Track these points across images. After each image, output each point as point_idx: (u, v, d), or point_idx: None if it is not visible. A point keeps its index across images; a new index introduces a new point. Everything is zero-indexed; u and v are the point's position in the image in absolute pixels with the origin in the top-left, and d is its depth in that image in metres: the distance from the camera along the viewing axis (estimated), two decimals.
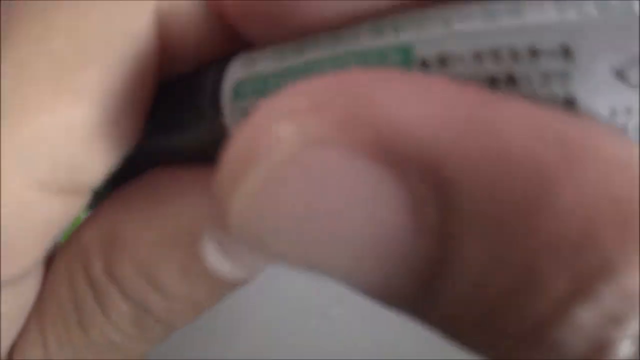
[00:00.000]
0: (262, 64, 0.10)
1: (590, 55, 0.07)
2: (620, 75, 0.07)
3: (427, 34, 0.08)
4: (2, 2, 0.11)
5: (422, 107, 0.06)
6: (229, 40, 0.11)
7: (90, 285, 0.11)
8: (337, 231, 0.07)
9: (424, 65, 0.08)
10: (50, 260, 0.12)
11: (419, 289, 0.07)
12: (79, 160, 0.10)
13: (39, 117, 0.10)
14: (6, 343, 0.11)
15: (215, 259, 0.10)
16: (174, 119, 0.11)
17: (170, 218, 0.11)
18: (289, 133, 0.07)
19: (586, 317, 0.06)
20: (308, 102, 0.07)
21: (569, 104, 0.07)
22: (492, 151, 0.06)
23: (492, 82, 0.08)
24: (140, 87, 0.10)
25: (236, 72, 0.10)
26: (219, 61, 0.10)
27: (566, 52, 0.07)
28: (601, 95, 0.07)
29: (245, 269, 0.11)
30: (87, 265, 0.11)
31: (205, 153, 0.10)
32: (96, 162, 0.10)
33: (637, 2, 0.07)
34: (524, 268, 0.06)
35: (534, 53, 0.08)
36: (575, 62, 0.07)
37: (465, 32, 0.08)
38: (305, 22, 0.09)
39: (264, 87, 0.09)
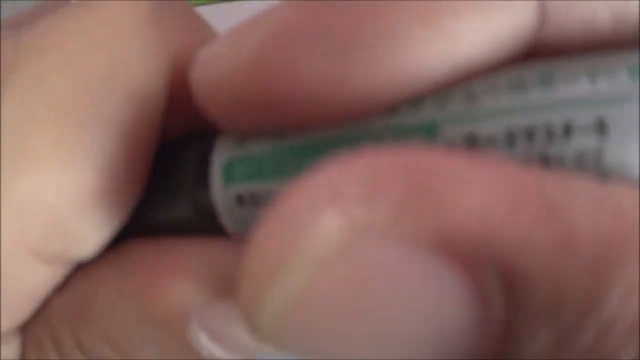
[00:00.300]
0: (256, 142, 0.08)
1: (624, 128, 0.07)
2: None
3: (451, 111, 0.07)
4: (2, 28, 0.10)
5: (488, 195, 0.06)
6: None
7: (61, 357, 0.10)
8: (392, 330, 0.06)
9: (451, 147, 0.07)
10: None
11: None
12: (72, 228, 0.09)
13: (35, 175, 0.09)
14: None
15: (207, 345, 0.10)
16: (152, 191, 0.10)
17: (151, 298, 0.10)
18: (336, 224, 0.06)
19: None
20: (357, 186, 0.06)
21: (601, 180, 0.07)
22: (562, 236, 0.06)
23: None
24: (143, 152, 0.10)
25: (226, 149, 0.09)
26: (203, 133, 0.09)
27: (601, 127, 0.07)
28: (634, 169, 0.07)
29: (240, 352, 0.10)
30: (57, 340, 0.10)
31: (183, 227, 0.10)
32: (90, 232, 0.09)
33: None
34: (590, 347, 0.06)
35: (568, 130, 0.07)
36: (610, 138, 0.07)
37: (496, 108, 0.07)
38: (303, 118, 0.08)
39: (260, 170, 0.08)
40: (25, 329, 0.11)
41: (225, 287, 0.09)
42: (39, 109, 0.09)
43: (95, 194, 0.09)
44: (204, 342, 0.10)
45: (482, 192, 0.06)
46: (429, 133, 0.07)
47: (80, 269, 0.10)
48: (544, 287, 0.06)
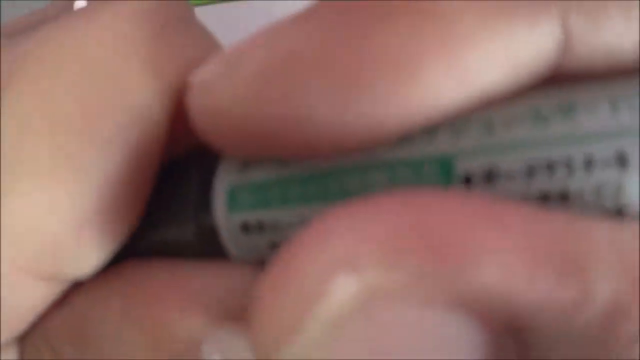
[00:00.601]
0: (260, 168, 0.08)
1: None
2: None
3: (468, 143, 0.07)
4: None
5: (507, 263, 0.06)
6: None
7: None
8: None
9: (468, 181, 0.07)
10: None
11: None
12: (66, 249, 0.09)
13: (29, 193, 0.09)
14: None
15: None
16: (155, 211, 0.10)
17: (159, 330, 0.09)
18: (353, 289, 0.06)
19: None
20: (374, 251, 0.06)
21: (620, 214, 0.07)
22: (579, 295, 0.06)
23: (544, 199, 0.07)
24: (143, 173, 0.09)
25: (229, 174, 0.09)
26: (206, 153, 0.09)
27: (621, 160, 0.07)
28: None
29: None
30: (57, 352, 0.10)
31: (185, 250, 0.09)
32: (86, 253, 0.09)
33: None
34: None
35: (590, 163, 0.07)
36: (629, 171, 0.07)
37: (515, 140, 0.07)
38: (307, 150, 0.08)
39: (265, 198, 0.08)
40: (24, 339, 0.10)
41: (234, 314, 0.09)
42: (35, 122, 0.09)
43: (93, 215, 0.09)
44: None
45: (501, 259, 0.06)
46: (444, 167, 0.07)
47: (80, 286, 0.10)
48: (555, 335, 0.06)
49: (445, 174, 0.07)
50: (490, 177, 0.07)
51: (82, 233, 0.09)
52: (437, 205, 0.06)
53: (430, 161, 0.07)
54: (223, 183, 0.09)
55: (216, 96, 0.08)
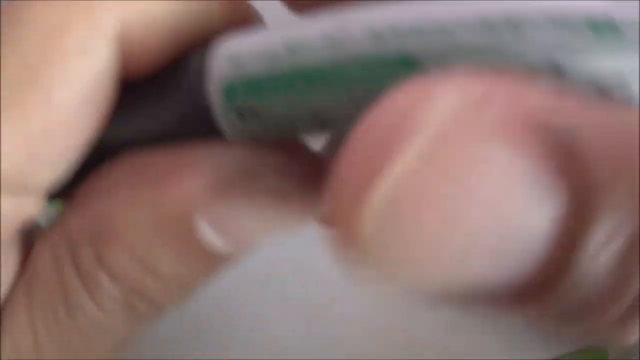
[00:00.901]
0: (252, 65, 0.09)
1: None
2: None
3: (428, 42, 0.08)
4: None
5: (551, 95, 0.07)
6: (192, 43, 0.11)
7: (78, 273, 0.11)
8: (483, 225, 0.07)
9: (423, 71, 0.08)
10: (32, 246, 0.12)
11: (555, 269, 0.07)
12: (25, 167, 0.11)
13: (13, 121, 0.10)
14: None
15: (211, 237, 0.11)
16: (147, 113, 0.11)
17: (160, 198, 0.11)
18: (440, 113, 0.06)
19: None
20: (457, 89, 0.07)
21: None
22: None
23: None
24: (95, 97, 0.11)
25: (223, 71, 0.10)
26: (194, 56, 0.10)
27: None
28: None
29: (244, 244, 0.11)
30: (76, 255, 0.11)
31: (182, 137, 0.11)
32: (44, 168, 0.11)
33: None
34: None
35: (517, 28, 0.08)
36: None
37: (468, 46, 0.08)
38: None
39: (259, 90, 0.09)
40: (40, 248, 0.12)
41: (234, 184, 0.11)
42: (5, 63, 0.10)
43: (47, 135, 0.10)
44: (209, 235, 0.11)
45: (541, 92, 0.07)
46: (406, 62, 0.08)
47: (91, 187, 0.12)
48: (605, 166, 0.06)
49: (408, 69, 0.08)
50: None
51: (36, 150, 0.11)
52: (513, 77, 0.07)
53: (396, 58, 0.08)
54: (218, 81, 0.10)
55: None
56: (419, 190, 0.07)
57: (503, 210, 0.07)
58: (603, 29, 0.08)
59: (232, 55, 0.10)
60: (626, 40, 0.08)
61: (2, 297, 0.12)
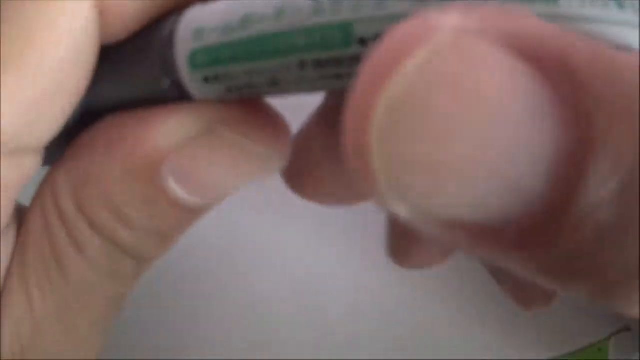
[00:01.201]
0: (211, 36, 0.10)
1: None
2: None
3: (364, 13, 0.09)
4: None
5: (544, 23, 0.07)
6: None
7: (62, 222, 0.12)
8: (486, 125, 0.07)
9: (362, 42, 0.09)
10: (23, 216, 0.13)
11: (561, 197, 0.07)
12: (24, 127, 0.11)
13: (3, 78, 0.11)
14: None
15: (175, 189, 0.12)
16: (122, 75, 0.12)
17: (130, 152, 0.11)
18: (448, 25, 0.07)
19: None
20: (459, 11, 0.07)
21: None
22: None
23: None
24: (80, 57, 0.11)
25: (186, 43, 0.11)
26: (165, 24, 0.11)
27: None
28: None
29: (206, 195, 0.12)
30: (59, 203, 0.12)
31: (153, 102, 0.12)
32: (41, 127, 0.11)
33: None
34: None
35: None
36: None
37: (399, 14, 0.09)
38: None
39: (219, 59, 0.10)
40: (31, 210, 0.13)
41: (197, 139, 0.11)
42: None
43: (40, 97, 0.11)
44: (173, 187, 0.11)
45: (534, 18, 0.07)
46: (345, 32, 0.09)
47: (75, 145, 0.12)
48: (604, 83, 0.06)
49: (346, 38, 0.09)
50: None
51: (32, 112, 0.11)
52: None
53: (335, 28, 0.09)
54: (184, 52, 0.11)
55: None
56: (417, 100, 0.07)
57: (503, 124, 0.07)
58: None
59: (195, 27, 0.11)
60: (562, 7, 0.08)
61: (3, 273, 0.12)
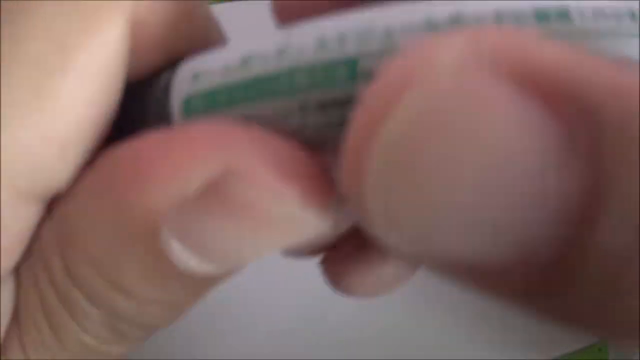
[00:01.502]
0: (208, 78, 0.10)
1: None
2: None
3: (370, 47, 0.09)
4: None
5: (563, 50, 0.06)
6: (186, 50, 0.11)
7: (54, 288, 0.10)
8: (489, 167, 0.06)
9: (368, 76, 0.08)
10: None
11: (569, 240, 0.06)
12: (55, 167, 0.10)
13: (18, 125, 0.10)
14: None
15: (182, 254, 0.09)
16: (121, 122, 0.11)
17: (124, 208, 0.09)
18: (447, 58, 0.06)
19: None
20: (465, 39, 0.07)
21: None
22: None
23: None
24: (112, 92, 0.11)
25: (183, 87, 0.10)
26: (161, 74, 0.11)
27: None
28: None
29: (221, 264, 0.09)
30: (48, 266, 0.10)
31: None
32: (69, 168, 0.10)
33: None
34: None
35: None
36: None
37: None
38: None
39: (214, 101, 0.10)
40: (21, 265, 0.11)
41: (205, 192, 0.09)
42: (18, 66, 0.10)
43: (73, 134, 0.10)
44: (179, 252, 0.09)
45: (558, 47, 0.06)
46: (350, 67, 0.09)
47: (66, 194, 0.11)
48: (624, 119, 0.06)
49: (351, 74, 0.09)
50: None
51: (66, 150, 0.10)
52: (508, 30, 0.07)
53: (339, 63, 0.09)
54: (179, 97, 0.10)
55: None
56: (414, 147, 0.06)
57: (508, 172, 0.06)
58: (551, 17, 0.08)
59: (192, 72, 0.10)
60: (577, 25, 0.08)
61: (3, 329, 0.11)
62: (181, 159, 0.09)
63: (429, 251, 0.07)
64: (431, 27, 0.08)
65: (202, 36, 0.12)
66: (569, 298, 0.07)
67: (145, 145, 0.09)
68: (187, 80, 0.10)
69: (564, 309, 0.07)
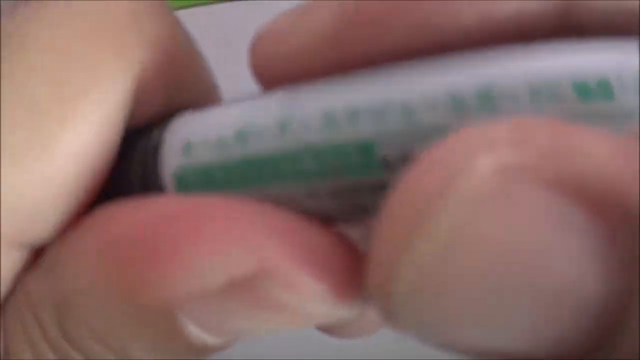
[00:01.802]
0: (203, 153, 0.09)
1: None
2: None
3: (388, 128, 0.08)
4: None
5: (611, 150, 0.06)
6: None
7: (48, 344, 0.10)
8: (531, 277, 0.06)
9: (386, 162, 0.08)
10: None
11: (598, 342, 0.06)
12: (44, 216, 0.10)
13: (10, 169, 0.09)
14: None
15: (197, 334, 0.09)
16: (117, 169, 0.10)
17: (137, 292, 0.09)
18: (489, 166, 0.06)
19: None
20: (508, 134, 0.06)
21: None
22: None
23: None
24: (110, 145, 0.10)
25: (174, 158, 0.09)
26: (148, 131, 0.10)
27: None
28: None
29: (234, 340, 0.10)
30: (41, 323, 0.10)
31: None
32: (59, 218, 0.10)
33: None
34: None
35: None
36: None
37: (435, 126, 0.07)
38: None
39: (211, 179, 0.09)
40: (7, 315, 0.10)
41: (233, 288, 0.09)
42: (13, 108, 0.10)
43: (68, 185, 0.10)
44: (195, 333, 0.09)
45: (606, 147, 0.06)
46: (365, 153, 0.08)
47: (59, 252, 0.10)
48: None
49: (366, 161, 0.08)
50: (405, 160, 0.07)
51: (56, 201, 0.10)
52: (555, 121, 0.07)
53: (352, 147, 0.08)
54: (170, 165, 0.09)
55: (286, 43, 0.09)
56: (449, 267, 0.06)
57: (548, 288, 0.06)
58: (592, 92, 0.07)
59: (184, 142, 0.09)
60: (620, 104, 0.07)
61: None
62: (206, 248, 0.08)
63: (457, 347, 0.07)
64: (458, 105, 0.07)
65: (199, 90, 0.12)
66: None
67: (161, 220, 0.09)
68: (177, 151, 0.09)
69: None
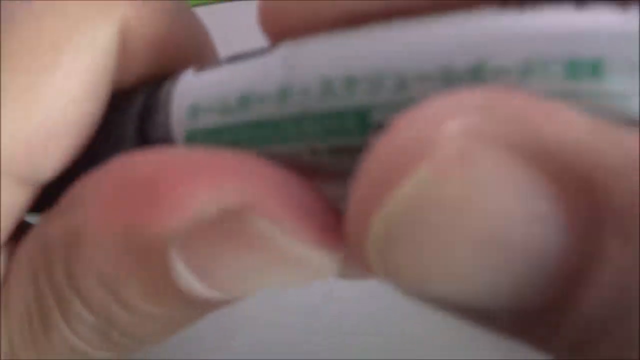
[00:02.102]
0: (208, 117, 0.09)
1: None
2: None
3: (382, 96, 0.08)
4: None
5: (569, 123, 0.07)
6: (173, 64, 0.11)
7: (52, 288, 0.10)
8: (492, 235, 0.07)
9: (380, 127, 0.08)
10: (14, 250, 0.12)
11: (556, 301, 0.07)
12: (39, 158, 0.11)
13: (7, 114, 0.10)
14: None
15: (188, 278, 0.09)
16: (97, 143, 0.11)
17: (135, 228, 0.09)
18: (454, 129, 0.06)
19: None
20: (477, 101, 0.07)
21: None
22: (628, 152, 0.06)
23: None
24: (99, 94, 0.11)
25: (182, 121, 0.10)
26: (139, 99, 0.11)
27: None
28: None
29: (227, 291, 0.10)
30: (49, 267, 0.10)
31: None
32: (54, 160, 0.11)
33: None
34: None
35: None
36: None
37: (425, 96, 0.08)
38: None
39: (219, 138, 0.09)
40: (20, 252, 0.11)
41: (220, 221, 0.09)
42: (12, 59, 0.11)
43: (59, 127, 0.11)
44: (185, 276, 0.09)
45: (564, 119, 0.07)
46: (361, 118, 0.08)
47: (73, 199, 0.11)
48: (621, 202, 0.06)
49: (362, 125, 0.08)
50: None
51: (49, 144, 0.11)
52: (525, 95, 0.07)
53: (349, 113, 0.08)
54: (178, 126, 0.10)
55: None
56: (416, 222, 0.07)
57: (509, 248, 0.07)
58: (583, 72, 0.07)
59: (190, 105, 0.10)
60: (610, 85, 0.07)
61: None
62: (199, 184, 0.09)
63: (425, 297, 0.07)
64: (448, 78, 0.08)
65: (192, 50, 0.12)
66: (554, 344, 0.07)
67: (162, 165, 0.09)
68: (184, 113, 0.10)
69: (551, 349, 0.07)
